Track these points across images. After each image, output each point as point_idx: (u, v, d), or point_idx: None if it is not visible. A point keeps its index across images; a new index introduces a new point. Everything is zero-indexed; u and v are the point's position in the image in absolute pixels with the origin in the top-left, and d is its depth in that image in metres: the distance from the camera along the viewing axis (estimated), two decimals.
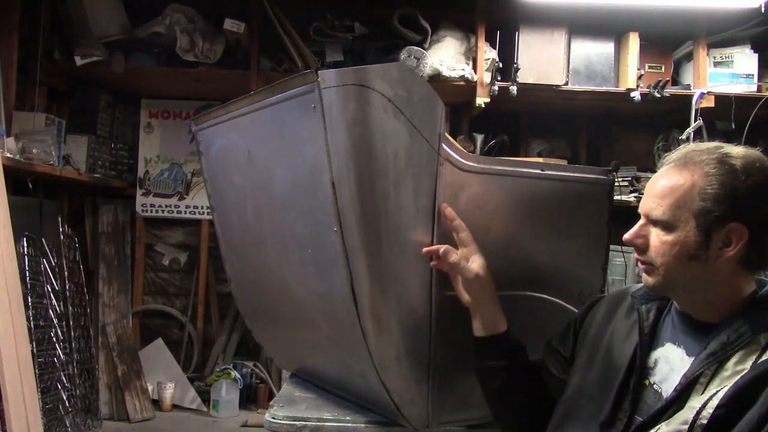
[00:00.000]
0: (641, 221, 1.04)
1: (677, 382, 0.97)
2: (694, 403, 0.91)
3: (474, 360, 1.24)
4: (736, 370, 0.91)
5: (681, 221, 0.97)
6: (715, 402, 0.89)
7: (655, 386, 1.02)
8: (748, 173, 0.95)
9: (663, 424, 0.92)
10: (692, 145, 1.04)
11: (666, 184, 1.00)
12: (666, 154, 1.07)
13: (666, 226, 0.99)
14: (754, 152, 0.99)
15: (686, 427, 0.89)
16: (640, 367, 1.04)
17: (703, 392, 0.92)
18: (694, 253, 0.97)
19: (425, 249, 1.23)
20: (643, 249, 1.03)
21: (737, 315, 0.97)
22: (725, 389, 0.89)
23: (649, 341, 1.06)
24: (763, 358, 0.91)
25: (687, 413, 0.90)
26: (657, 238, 1.00)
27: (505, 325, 1.23)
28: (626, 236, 1.05)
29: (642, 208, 1.04)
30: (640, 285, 1.13)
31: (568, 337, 1.22)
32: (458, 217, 1.24)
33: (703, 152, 0.99)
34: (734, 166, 0.96)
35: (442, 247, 1.22)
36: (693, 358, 0.98)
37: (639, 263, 1.05)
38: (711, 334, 0.97)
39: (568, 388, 1.16)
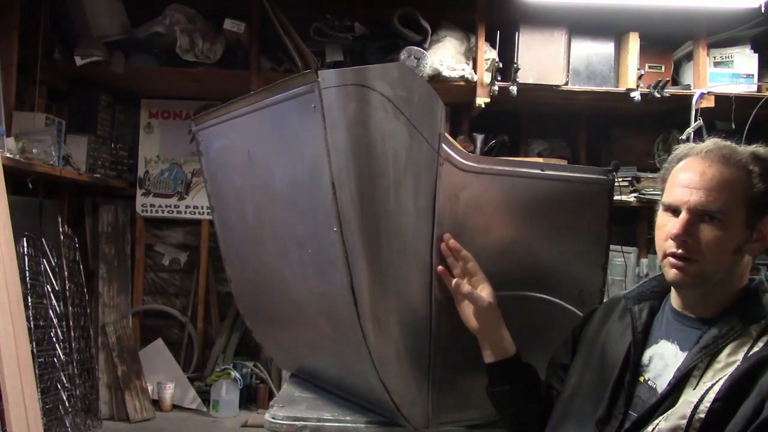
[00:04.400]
0: (685, 215, 0.99)
1: (671, 377, 0.98)
2: (690, 397, 0.92)
3: (487, 386, 1.25)
4: (728, 362, 0.93)
5: (734, 215, 0.98)
6: (711, 396, 0.90)
7: (649, 382, 1.03)
8: None
9: (661, 419, 0.93)
10: (719, 141, 1.04)
11: (718, 177, 0.98)
12: (683, 145, 1.07)
13: (722, 219, 0.97)
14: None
15: (684, 422, 0.90)
16: (634, 365, 1.05)
17: (696, 385, 0.94)
18: (738, 247, 0.98)
19: (440, 268, 1.25)
20: (689, 243, 0.99)
21: (729, 308, 0.99)
22: (721, 382, 0.90)
23: (643, 339, 1.07)
24: (755, 349, 0.93)
25: (684, 408, 0.91)
26: (710, 232, 0.97)
27: (515, 348, 1.23)
28: (677, 230, 0.98)
29: (689, 201, 0.98)
30: (633, 287, 1.15)
31: (568, 348, 1.23)
32: (464, 248, 1.25)
33: (736, 149, 1.01)
34: (766, 162, 0.99)
35: (454, 280, 1.23)
36: (687, 353, 0.99)
37: (669, 258, 1.00)
38: (704, 328, 0.99)
39: (565, 389, 1.17)
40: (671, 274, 1.01)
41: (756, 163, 0.99)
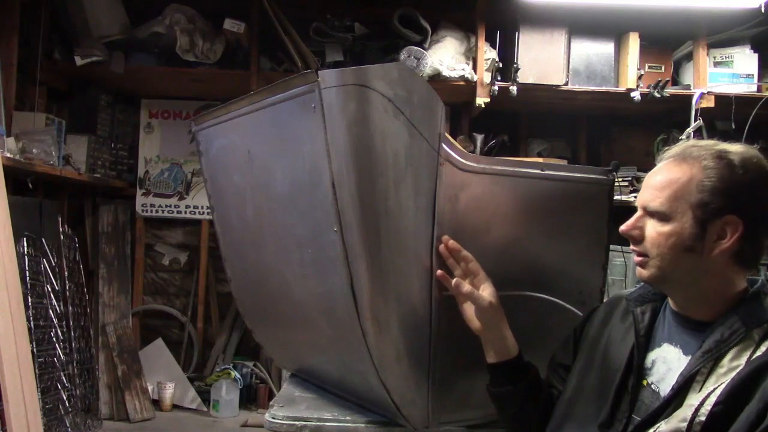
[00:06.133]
0: (638, 213, 1.05)
1: (675, 381, 0.97)
2: (692, 400, 0.92)
3: (489, 386, 1.25)
4: (731, 367, 0.93)
5: (678, 212, 0.99)
6: (712, 399, 0.90)
7: (653, 386, 1.03)
8: (746, 168, 0.97)
9: (662, 422, 0.93)
10: (690, 141, 1.06)
11: (665, 177, 1.02)
12: (666, 148, 1.08)
13: (663, 217, 1.00)
14: (751, 149, 1.01)
15: (685, 424, 0.90)
16: (637, 368, 1.05)
17: (700, 390, 0.93)
18: (690, 245, 0.98)
19: (439, 272, 1.25)
20: (638, 240, 1.04)
21: (730, 312, 0.98)
22: (722, 386, 0.90)
23: (646, 342, 1.07)
24: (758, 353, 0.92)
25: (685, 411, 0.91)
26: (653, 229, 1.02)
27: (517, 348, 1.23)
28: (623, 227, 1.06)
29: (639, 201, 1.06)
30: (635, 288, 1.15)
31: (569, 348, 1.23)
32: (463, 249, 1.25)
33: (702, 148, 1.01)
34: (732, 161, 0.98)
35: (453, 280, 1.23)
36: (690, 357, 0.99)
37: (634, 255, 1.07)
38: (706, 332, 0.98)
39: (566, 390, 1.16)
40: (636, 271, 1.06)
41: (713, 160, 0.98)
